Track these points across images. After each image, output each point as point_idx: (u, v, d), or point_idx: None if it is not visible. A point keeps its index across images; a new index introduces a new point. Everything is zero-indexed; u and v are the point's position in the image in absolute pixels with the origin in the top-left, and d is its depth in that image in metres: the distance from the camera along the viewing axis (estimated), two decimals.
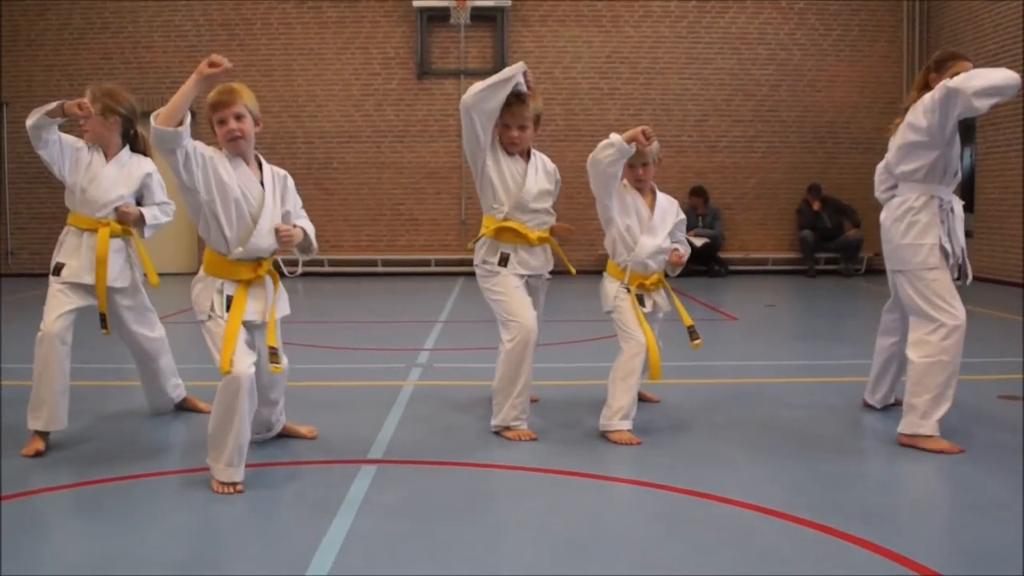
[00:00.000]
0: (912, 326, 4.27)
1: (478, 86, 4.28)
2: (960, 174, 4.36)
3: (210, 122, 3.67)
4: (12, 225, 14.16)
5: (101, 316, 4.41)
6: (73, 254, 4.33)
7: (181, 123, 3.41)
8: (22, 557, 2.89)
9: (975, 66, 4.15)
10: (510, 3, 13.56)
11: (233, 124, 3.63)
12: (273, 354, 3.76)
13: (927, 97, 4.15)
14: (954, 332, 4.12)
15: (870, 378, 4.90)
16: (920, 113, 4.17)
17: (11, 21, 14.03)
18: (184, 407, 4.85)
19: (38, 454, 4.02)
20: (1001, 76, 3.94)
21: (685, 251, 4.55)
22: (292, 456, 4.06)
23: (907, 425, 4.17)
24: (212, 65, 3.41)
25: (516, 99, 4.33)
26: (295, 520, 3.26)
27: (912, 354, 4.20)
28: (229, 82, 3.63)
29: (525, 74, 4.32)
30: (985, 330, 7.89)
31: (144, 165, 4.54)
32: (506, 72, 4.28)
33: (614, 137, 4.24)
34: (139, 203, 4.52)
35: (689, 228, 13.75)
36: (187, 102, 3.40)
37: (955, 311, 4.15)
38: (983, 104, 3.97)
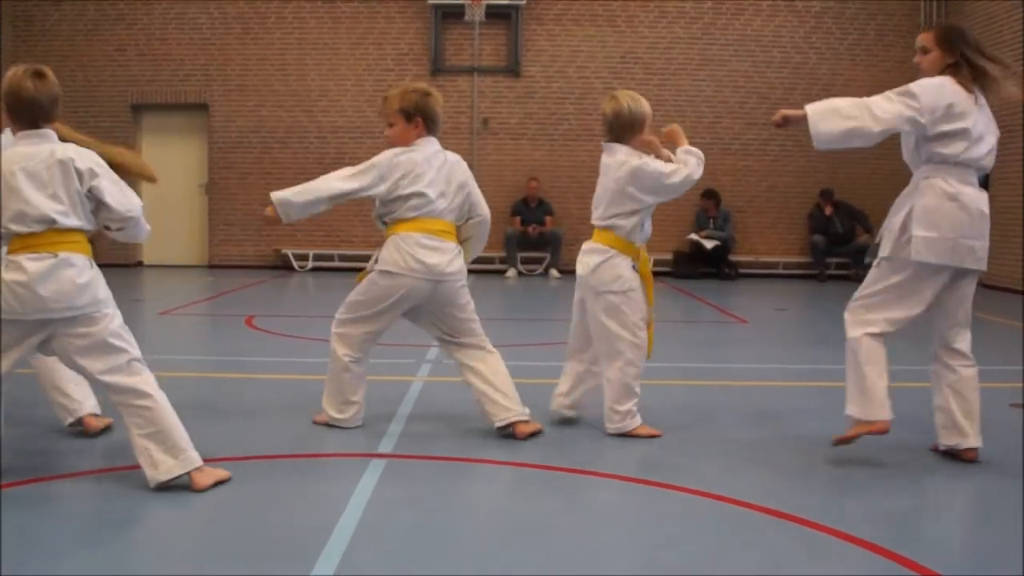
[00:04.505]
0: None
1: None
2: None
3: None
4: None
5: None
6: None
7: None
8: (28, 552, 2.88)
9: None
10: (525, 1, 13.53)
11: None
12: None
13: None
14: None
15: None
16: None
17: (25, 12, 14.06)
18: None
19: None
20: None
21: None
22: (300, 449, 4.06)
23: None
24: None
25: None
26: (303, 513, 3.24)
27: None
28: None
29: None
30: (997, 338, 7.85)
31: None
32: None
33: (698, 152, 4.50)
34: None
35: (700, 230, 13.74)
36: None
37: None
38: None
